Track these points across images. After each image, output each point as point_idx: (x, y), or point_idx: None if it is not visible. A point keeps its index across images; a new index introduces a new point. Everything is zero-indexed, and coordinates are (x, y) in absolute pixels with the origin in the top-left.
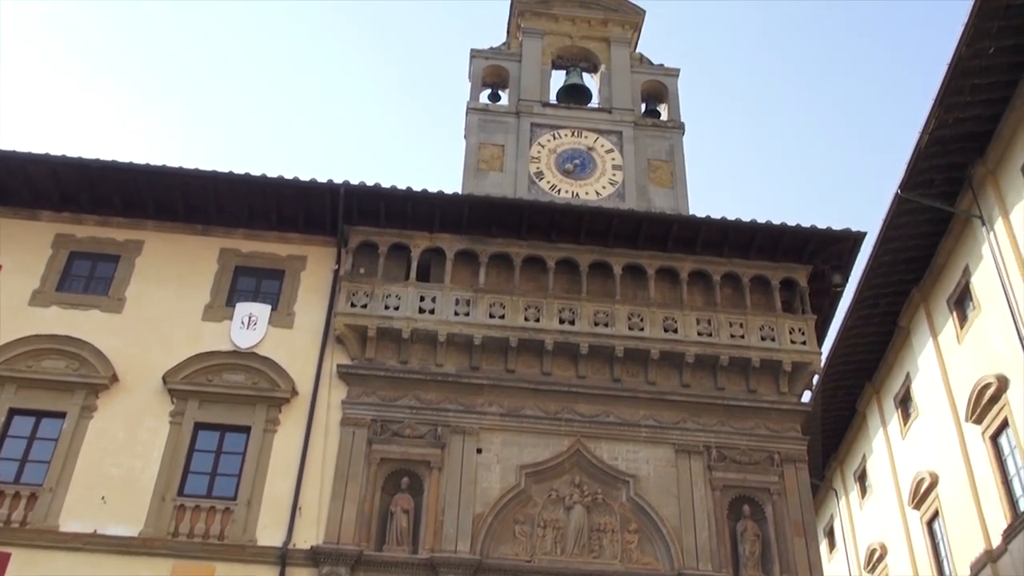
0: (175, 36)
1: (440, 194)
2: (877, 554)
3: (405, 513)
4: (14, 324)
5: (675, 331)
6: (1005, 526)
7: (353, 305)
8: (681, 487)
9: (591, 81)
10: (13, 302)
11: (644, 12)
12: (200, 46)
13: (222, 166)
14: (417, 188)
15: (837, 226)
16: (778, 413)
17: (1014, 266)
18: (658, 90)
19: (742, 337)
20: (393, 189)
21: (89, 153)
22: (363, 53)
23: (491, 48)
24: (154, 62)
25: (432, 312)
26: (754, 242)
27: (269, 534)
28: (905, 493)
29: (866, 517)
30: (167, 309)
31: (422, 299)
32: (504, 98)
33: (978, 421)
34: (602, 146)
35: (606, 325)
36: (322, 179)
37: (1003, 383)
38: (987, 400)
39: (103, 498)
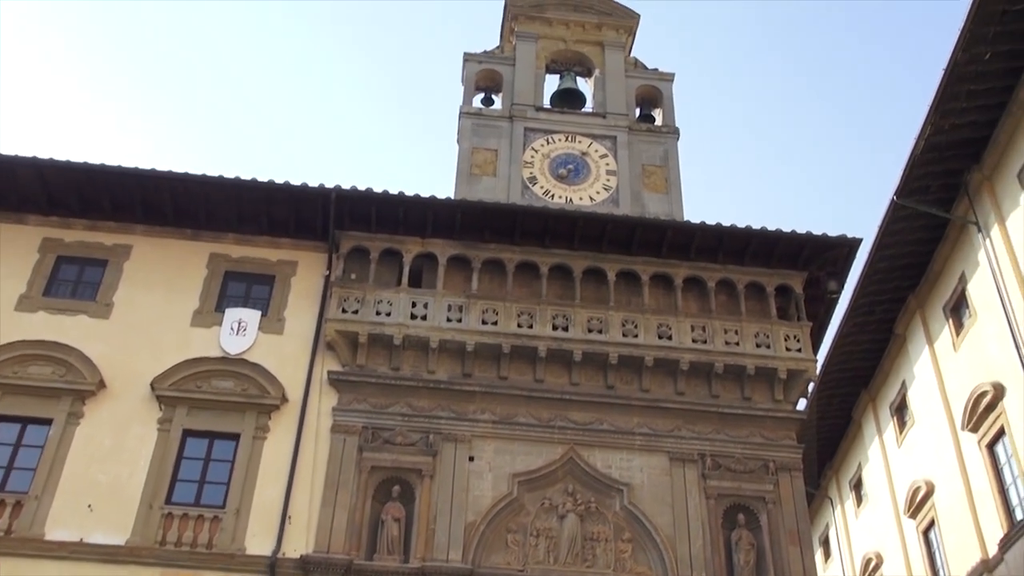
0: (164, 38)
1: (432, 199)
2: (873, 564)
3: (396, 522)
4: (0, 329)
5: (669, 338)
6: (1001, 535)
7: (344, 311)
8: (675, 496)
9: (585, 86)
10: None
11: (639, 16)
12: (189, 48)
13: (212, 169)
14: (409, 193)
15: (832, 232)
16: (773, 421)
17: (1010, 273)
18: (652, 95)
19: (737, 344)
20: (385, 194)
21: (77, 156)
22: (355, 56)
23: (484, 52)
24: (143, 64)
25: (424, 318)
26: (749, 248)
27: (258, 543)
28: (901, 502)
29: (862, 526)
30: (155, 314)
31: (414, 305)
32: (497, 102)
33: (974, 429)
34: (596, 151)
35: (600, 332)
36: (313, 183)
37: (999, 391)
38: (983, 408)
39: (90, 506)
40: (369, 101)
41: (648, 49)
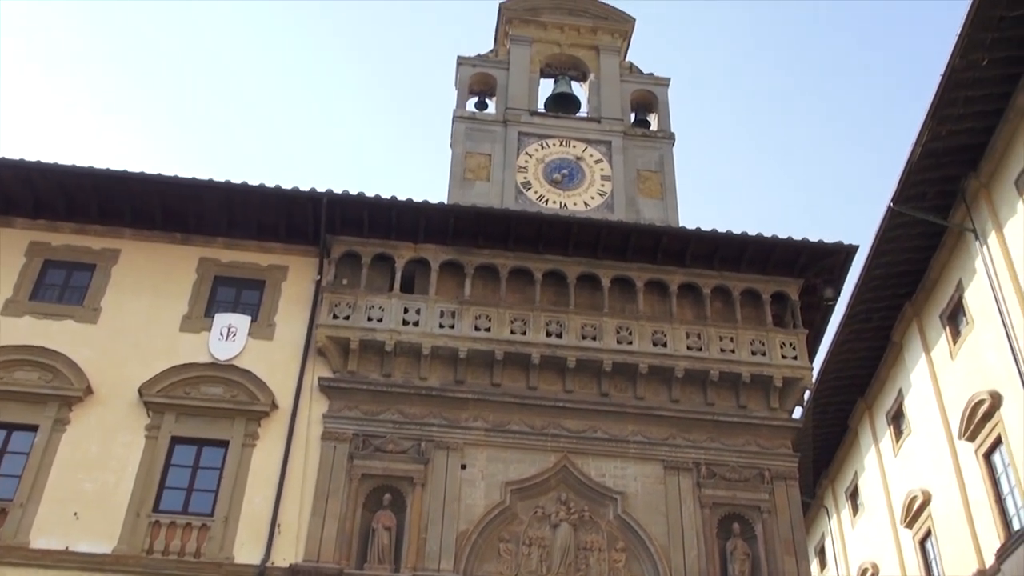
0: (154, 40)
1: (425, 204)
2: (869, 573)
3: (387, 530)
4: None
5: (664, 345)
6: (998, 545)
7: (335, 317)
8: (670, 505)
9: (580, 90)
10: None
11: (634, 20)
12: (180, 50)
13: (202, 173)
14: (402, 197)
15: (829, 239)
16: (769, 429)
17: (1007, 281)
18: (648, 99)
19: (732, 352)
20: (377, 198)
21: (65, 159)
22: (347, 59)
23: (478, 55)
24: (133, 66)
25: (416, 324)
26: (745, 255)
27: (247, 552)
28: (897, 511)
29: (858, 536)
30: (144, 319)
31: (406, 311)
32: (491, 107)
33: (971, 438)
34: (591, 156)
35: (594, 339)
36: (304, 187)
37: (996, 400)
38: (980, 417)
39: (76, 514)
40: (361, 104)
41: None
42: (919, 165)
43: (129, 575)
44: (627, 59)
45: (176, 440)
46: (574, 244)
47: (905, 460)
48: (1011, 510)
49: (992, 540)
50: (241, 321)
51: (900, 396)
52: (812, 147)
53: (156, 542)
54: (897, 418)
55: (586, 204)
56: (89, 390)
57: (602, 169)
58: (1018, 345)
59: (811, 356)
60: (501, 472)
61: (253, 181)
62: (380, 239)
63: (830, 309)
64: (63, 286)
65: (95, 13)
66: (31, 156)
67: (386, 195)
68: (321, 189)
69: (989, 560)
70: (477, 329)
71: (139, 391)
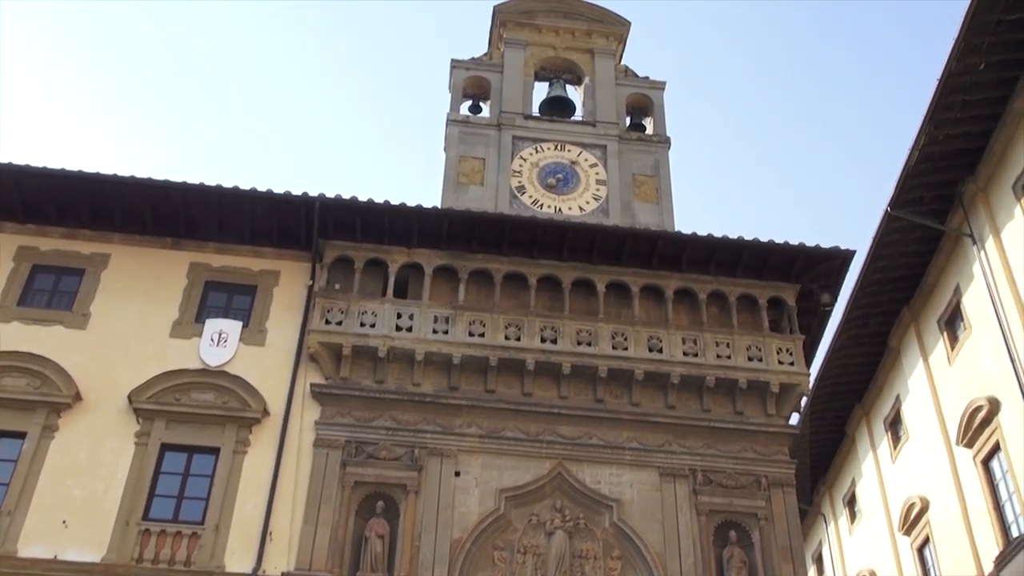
0: (144, 43)
1: (419, 208)
2: None
3: (380, 538)
4: None
5: (660, 351)
6: (997, 552)
7: (327, 322)
8: (666, 512)
9: (575, 94)
10: None
11: (629, 24)
12: (170, 52)
13: (193, 177)
14: (395, 202)
15: (826, 244)
16: (765, 436)
17: (1005, 286)
18: (643, 103)
19: (728, 357)
20: (370, 203)
21: (54, 162)
22: (340, 61)
23: (472, 58)
24: (123, 69)
25: (409, 330)
26: (741, 260)
27: (238, 560)
28: (895, 518)
29: (855, 543)
30: (133, 325)
31: (399, 316)
32: (485, 110)
33: (969, 445)
34: (586, 160)
35: (589, 344)
36: (297, 191)
37: (995, 406)
38: (978, 423)
39: (64, 522)
40: (354, 108)
41: (639, 57)
42: (916, 169)
43: None
44: (622, 62)
45: (166, 447)
46: (569, 249)
47: (903, 467)
48: (1009, 517)
49: (991, 547)
50: (232, 327)
51: (898, 402)
52: (809, 151)
53: (146, 550)
54: (895, 424)
55: (581, 208)
56: (78, 396)
57: (597, 173)
58: (1016, 351)
59: (808, 362)
60: (495, 479)
61: (245, 185)
62: (373, 244)
63: (827, 314)
64: (52, 291)
65: (85, 14)
66: (20, 159)
67: (379, 199)
68: (313, 193)
69: (988, 567)
70: (471, 335)
71: (129, 397)
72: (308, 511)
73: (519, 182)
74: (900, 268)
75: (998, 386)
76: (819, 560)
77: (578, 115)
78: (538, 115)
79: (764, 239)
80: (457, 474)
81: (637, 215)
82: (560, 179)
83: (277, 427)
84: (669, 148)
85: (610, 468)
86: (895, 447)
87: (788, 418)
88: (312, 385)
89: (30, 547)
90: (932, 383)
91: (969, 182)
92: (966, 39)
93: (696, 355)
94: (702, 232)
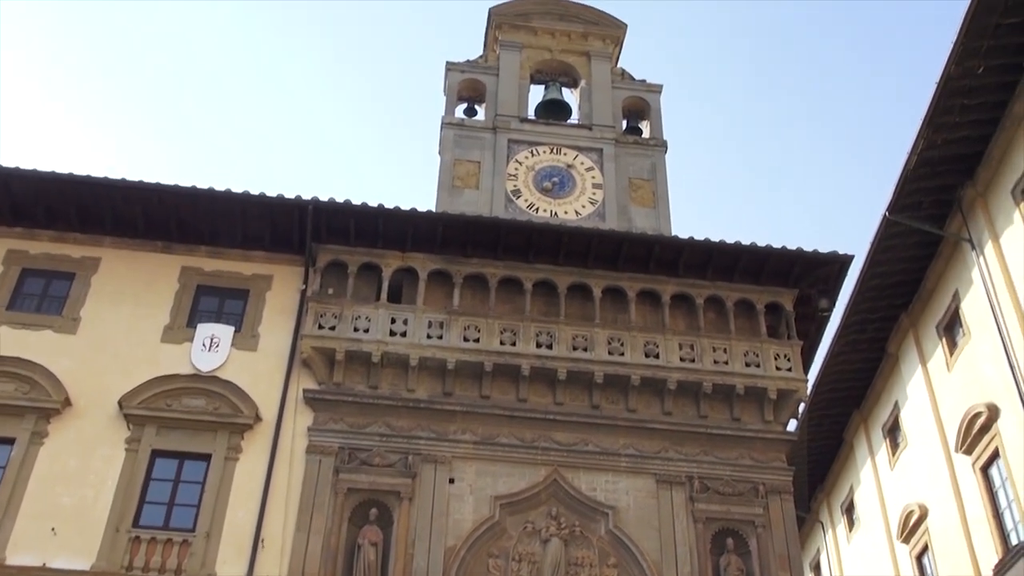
0: (136, 44)
1: (413, 212)
2: None
3: (373, 546)
4: None
5: (656, 356)
6: (996, 560)
7: (321, 327)
8: (662, 519)
9: (571, 97)
10: None
11: (626, 26)
12: (162, 54)
13: (185, 180)
14: (389, 205)
15: (824, 249)
16: (763, 442)
17: (1004, 291)
18: (640, 106)
19: (726, 363)
20: (364, 206)
21: (44, 164)
22: (334, 64)
23: (467, 61)
24: (114, 71)
25: (404, 335)
26: (738, 265)
27: (230, 568)
28: (894, 526)
29: (853, 551)
30: (124, 330)
31: (393, 321)
32: (480, 113)
33: (968, 452)
34: (582, 164)
35: (585, 350)
36: (290, 195)
37: (994, 412)
38: (977, 430)
39: (53, 529)
40: (348, 110)
41: (635, 60)
42: (915, 174)
43: None
44: (619, 65)
45: (157, 453)
46: (565, 253)
47: (901, 474)
48: (1009, 524)
49: (990, 555)
50: (224, 331)
51: (896, 408)
52: (807, 155)
53: (136, 558)
54: (893, 431)
55: (577, 212)
56: (68, 402)
57: (593, 177)
58: (1015, 357)
59: (806, 368)
60: (490, 486)
61: (237, 188)
62: (367, 248)
63: (825, 320)
64: (42, 295)
65: (77, 17)
66: (9, 161)
67: (373, 203)
68: (307, 197)
69: (987, 575)
70: (466, 340)
71: (119, 403)
72: (300, 518)
73: (515, 186)
74: (899, 273)
75: (997, 392)
76: (817, 568)
77: (574, 118)
78: (534, 118)
79: (762, 244)
80: (451, 481)
81: (633, 219)
82: (556, 183)
83: (269, 433)
84: (666, 151)
85: (606, 475)
86: (893, 454)
87: (786, 425)
88: (305, 391)
89: (18, 555)
90: (931, 389)
91: (968, 187)
92: (965, 42)
93: (693, 361)
94: (699, 236)
